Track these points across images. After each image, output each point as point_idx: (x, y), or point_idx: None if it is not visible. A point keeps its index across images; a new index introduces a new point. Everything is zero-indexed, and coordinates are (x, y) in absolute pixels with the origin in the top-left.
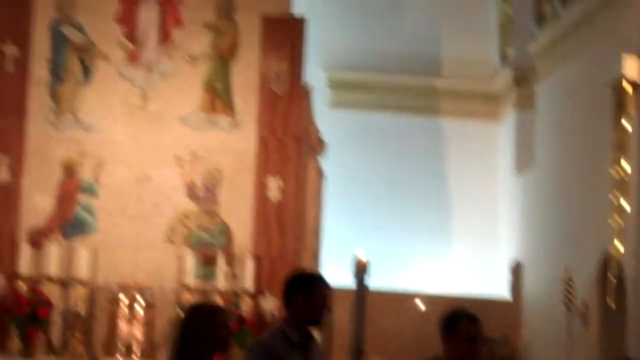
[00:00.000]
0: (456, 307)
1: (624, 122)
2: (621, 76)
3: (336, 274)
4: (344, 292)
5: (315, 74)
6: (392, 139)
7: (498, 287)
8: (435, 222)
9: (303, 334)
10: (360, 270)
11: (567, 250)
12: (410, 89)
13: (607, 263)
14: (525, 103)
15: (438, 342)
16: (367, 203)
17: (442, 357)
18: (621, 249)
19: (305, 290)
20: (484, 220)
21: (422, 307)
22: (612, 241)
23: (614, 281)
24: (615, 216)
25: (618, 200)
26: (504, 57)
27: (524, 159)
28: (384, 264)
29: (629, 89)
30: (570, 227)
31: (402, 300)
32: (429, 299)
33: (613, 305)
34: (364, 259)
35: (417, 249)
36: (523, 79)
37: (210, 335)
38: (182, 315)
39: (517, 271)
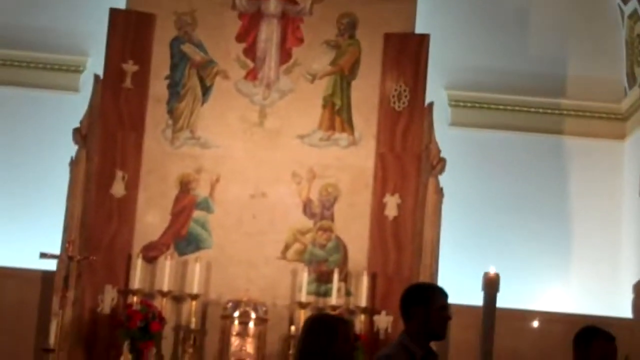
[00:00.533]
0: (591, 325)
1: None
2: None
3: (454, 292)
4: (462, 308)
5: (436, 93)
6: (513, 158)
7: (620, 309)
8: (557, 241)
9: (425, 349)
10: (491, 285)
11: None
12: (533, 109)
13: None
14: None
15: None
16: (487, 222)
17: None
18: None
19: (424, 302)
20: (606, 240)
21: (536, 324)
22: None
23: None
24: None
25: None
26: (631, 77)
27: None
28: (503, 283)
29: None
30: None
31: (522, 318)
32: (548, 318)
33: None
34: (494, 274)
35: (538, 269)
36: None
37: (334, 348)
38: (304, 327)
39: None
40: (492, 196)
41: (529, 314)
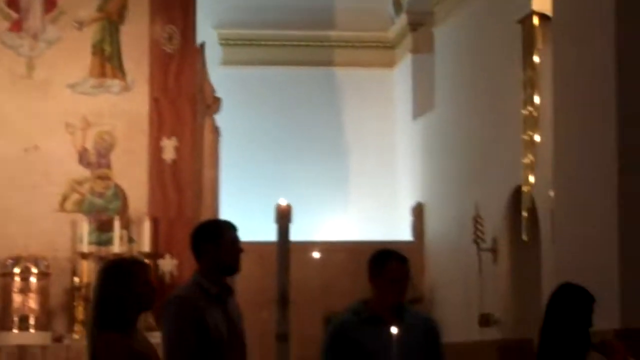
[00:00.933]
0: (384, 248)
1: (535, 58)
2: (530, 11)
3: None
4: (250, 245)
5: (206, 33)
6: (287, 92)
7: (399, 233)
8: (335, 171)
9: (220, 285)
10: (283, 216)
11: (474, 189)
12: (303, 43)
13: (518, 198)
14: (422, 47)
15: (343, 289)
16: (264, 158)
17: (370, 300)
18: (532, 181)
19: (214, 238)
20: (382, 166)
21: (319, 254)
22: (524, 176)
23: (526, 214)
24: (527, 152)
25: (529, 136)
26: (397, 5)
27: (422, 103)
28: None
29: (537, 23)
30: (476, 166)
31: (304, 250)
32: (330, 247)
33: (526, 238)
34: (287, 205)
35: (318, 200)
36: (419, 24)
37: (133, 291)
38: (99, 274)
39: (419, 213)
40: (269, 132)
41: (311, 245)
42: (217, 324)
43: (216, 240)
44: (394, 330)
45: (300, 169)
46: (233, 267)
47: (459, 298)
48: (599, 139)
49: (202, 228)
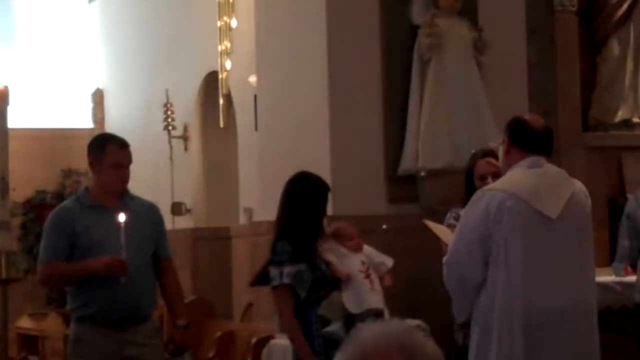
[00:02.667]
0: (105, 133)
1: None
2: None
3: None
4: None
5: None
6: None
7: (81, 120)
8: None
9: None
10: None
11: (165, 75)
12: None
13: (211, 84)
14: None
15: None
16: None
17: (91, 187)
18: (228, 67)
19: None
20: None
21: None
22: (219, 61)
23: (222, 101)
24: (222, 37)
25: (225, 22)
26: None
27: None
28: None
29: None
30: (166, 51)
31: None
32: (12, 135)
33: (222, 123)
34: (3, 87)
35: None
36: None
37: None
38: None
39: (99, 99)
40: None
41: None
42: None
43: None
44: (121, 217)
45: None
46: None
47: (149, 186)
48: (305, 21)
49: None
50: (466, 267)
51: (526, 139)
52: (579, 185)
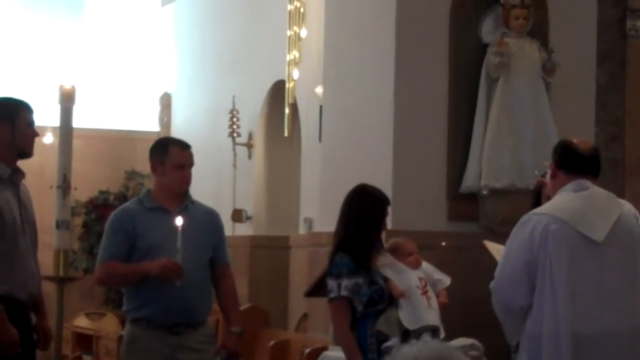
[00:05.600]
0: (167, 137)
1: None
2: None
3: None
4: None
5: None
6: None
7: (148, 123)
8: None
9: (13, 169)
10: (67, 99)
11: (232, 82)
12: None
13: (278, 93)
14: None
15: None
16: None
17: (154, 189)
18: (295, 76)
19: (10, 119)
20: (131, 54)
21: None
22: (288, 72)
23: (288, 110)
24: (291, 47)
25: (294, 32)
26: None
27: None
28: None
29: None
30: (235, 58)
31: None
32: (78, 135)
33: (287, 132)
34: (70, 87)
35: None
36: None
37: None
38: None
39: (166, 103)
40: None
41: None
42: (10, 206)
43: (11, 121)
44: (178, 221)
45: None
46: (27, 151)
47: (211, 192)
48: (375, 35)
49: None
50: (511, 293)
51: (571, 162)
52: (627, 207)
